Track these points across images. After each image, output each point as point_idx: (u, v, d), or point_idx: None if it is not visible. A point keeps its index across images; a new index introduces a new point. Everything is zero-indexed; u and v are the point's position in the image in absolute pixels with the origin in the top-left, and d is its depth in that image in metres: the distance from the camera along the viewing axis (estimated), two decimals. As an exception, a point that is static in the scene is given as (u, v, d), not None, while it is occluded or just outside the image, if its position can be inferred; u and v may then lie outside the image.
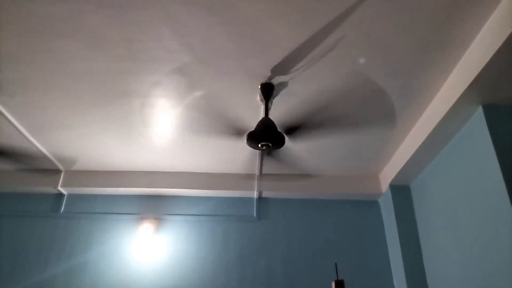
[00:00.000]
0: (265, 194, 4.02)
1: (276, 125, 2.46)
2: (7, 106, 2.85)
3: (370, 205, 4.02)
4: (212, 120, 2.98)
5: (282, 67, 2.40)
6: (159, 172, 3.94)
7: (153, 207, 3.97)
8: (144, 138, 3.31)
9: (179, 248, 3.79)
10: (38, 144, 3.39)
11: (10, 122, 3.01)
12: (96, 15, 2.04)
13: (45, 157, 3.60)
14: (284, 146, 2.51)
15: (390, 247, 3.71)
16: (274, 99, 2.68)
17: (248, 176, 3.94)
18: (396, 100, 2.72)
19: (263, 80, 2.52)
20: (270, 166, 3.78)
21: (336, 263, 2.53)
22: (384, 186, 3.81)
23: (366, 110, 2.83)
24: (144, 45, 2.24)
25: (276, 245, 3.82)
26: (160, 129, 3.17)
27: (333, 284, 2.26)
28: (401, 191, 3.66)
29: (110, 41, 2.22)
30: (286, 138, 2.51)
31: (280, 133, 2.42)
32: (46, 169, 3.86)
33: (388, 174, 3.70)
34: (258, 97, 2.67)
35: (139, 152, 3.56)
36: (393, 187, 3.68)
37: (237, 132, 2.89)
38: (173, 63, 2.38)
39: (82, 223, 3.89)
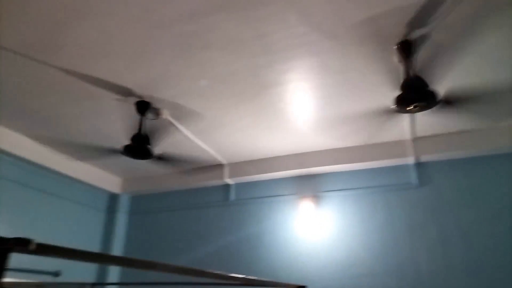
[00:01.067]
0: (423, 158, 3.76)
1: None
2: (176, 118, 3.38)
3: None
4: (352, 93, 2.94)
5: (418, 20, 2.20)
6: (310, 152, 4.09)
7: (311, 185, 4.15)
8: (290, 123, 3.48)
9: (342, 223, 3.88)
10: (203, 144, 3.92)
11: (180, 130, 3.57)
12: (229, 21, 2.25)
13: (210, 154, 4.14)
14: (437, 102, 2.31)
15: None
16: (415, 56, 2.48)
17: (401, 142, 3.75)
18: None
19: (399, 39, 2.36)
20: (425, 128, 3.51)
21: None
22: None
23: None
24: (275, 36, 2.36)
25: (446, 210, 3.54)
26: (303, 111, 3.29)
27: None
28: None
29: (244, 42, 2.42)
30: (438, 94, 2.30)
31: (430, 90, 2.24)
32: (212, 165, 4.45)
33: None
34: (396, 58, 2.51)
35: (288, 137, 3.77)
36: None
37: (381, 100, 2.79)
38: (304, 46, 2.44)
39: (250, 207, 4.36)
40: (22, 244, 0.79)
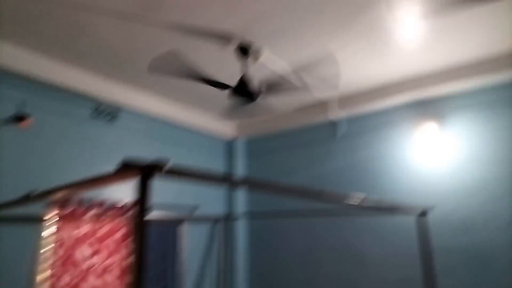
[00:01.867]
0: None
1: None
2: (276, 55, 3.40)
3: None
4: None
5: None
6: (426, 72, 3.74)
7: (430, 109, 3.86)
8: (398, 43, 3.21)
9: (469, 144, 3.58)
10: (305, 80, 3.89)
11: (282, 68, 3.59)
12: None
13: (316, 90, 4.10)
14: None
15: None
16: None
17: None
18: None
19: None
20: None
21: None
22: None
23: None
24: None
25: None
26: (410, 27, 2.99)
27: None
28: None
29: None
30: None
31: None
32: (316, 102, 4.42)
33: None
34: None
35: (398, 59, 3.50)
36: None
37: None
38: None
39: (360, 141, 4.30)
40: (157, 168, 0.95)
